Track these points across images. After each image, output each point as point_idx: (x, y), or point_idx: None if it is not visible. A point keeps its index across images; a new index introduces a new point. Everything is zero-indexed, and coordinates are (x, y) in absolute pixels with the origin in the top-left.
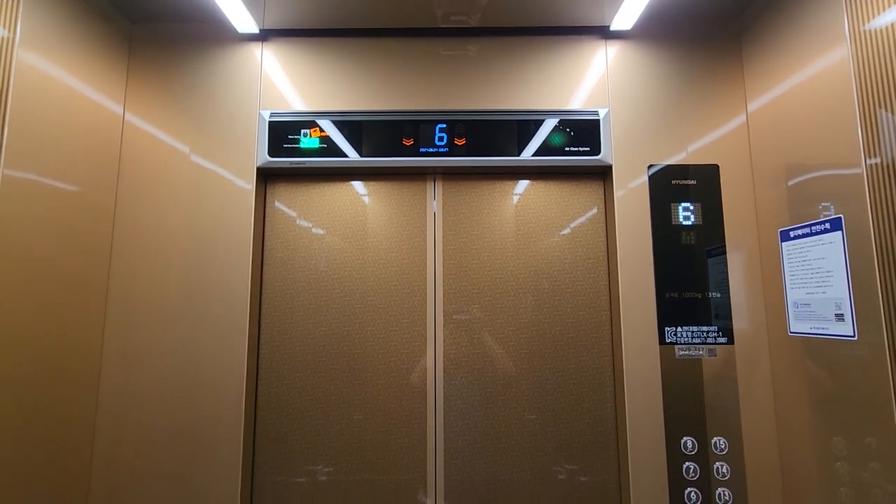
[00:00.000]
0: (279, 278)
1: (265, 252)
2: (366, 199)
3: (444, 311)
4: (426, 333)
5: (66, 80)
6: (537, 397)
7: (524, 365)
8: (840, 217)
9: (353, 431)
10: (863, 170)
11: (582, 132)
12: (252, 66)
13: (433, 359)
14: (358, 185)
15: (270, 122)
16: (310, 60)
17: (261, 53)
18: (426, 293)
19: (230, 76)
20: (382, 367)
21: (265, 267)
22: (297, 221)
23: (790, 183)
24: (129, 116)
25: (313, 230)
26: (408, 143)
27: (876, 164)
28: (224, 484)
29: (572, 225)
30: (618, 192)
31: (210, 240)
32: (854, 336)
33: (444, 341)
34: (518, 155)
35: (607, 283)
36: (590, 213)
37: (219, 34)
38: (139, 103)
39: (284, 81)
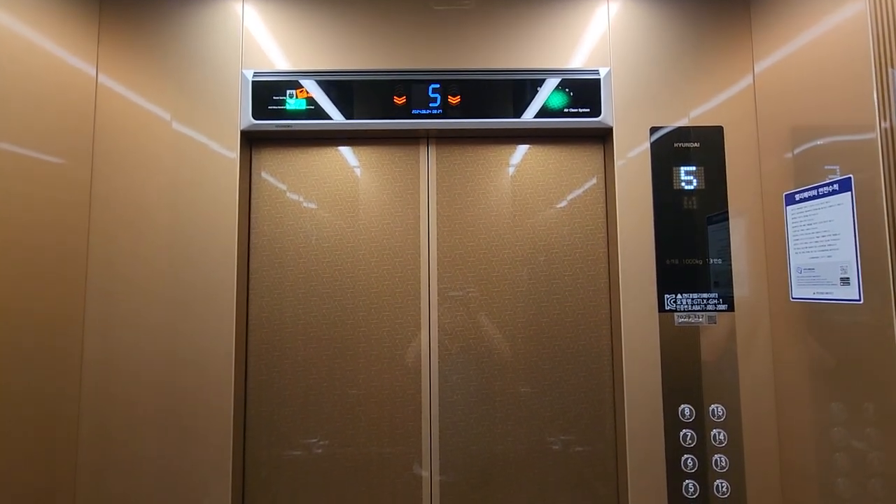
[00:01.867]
0: (267, 248)
1: (252, 221)
2: (356, 164)
3: (438, 282)
4: (420, 305)
5: (32, 38)
6: (534, 367)
7: (520, 334)
8: (849, 178)
9: (348, 405)
10: (877, 131)
11: (582, 92)
12: (233, 22)
13: (428, 331)
14: (348, 151)
15: (254, 83)
16: (295, 16)
17: (242, 8)
18: (420, 263)
19: (209, 33)
20: (376, 338)
21: (252, 236)
22: (285, 190)
23: (797, 145)
24: (102, 78)
25: (302, 198)
26: (399, 103)
27: (889, 126)
28: (214, 455)
29: (571, 190)
30: (618, 156)
31: (193, 211)
32: (860, 300)
33: (439, 313)
34: (515, 116)
35: (606, 249)
36: (589, 177)
37: None
38: (113, 64)
39: (268, 39)
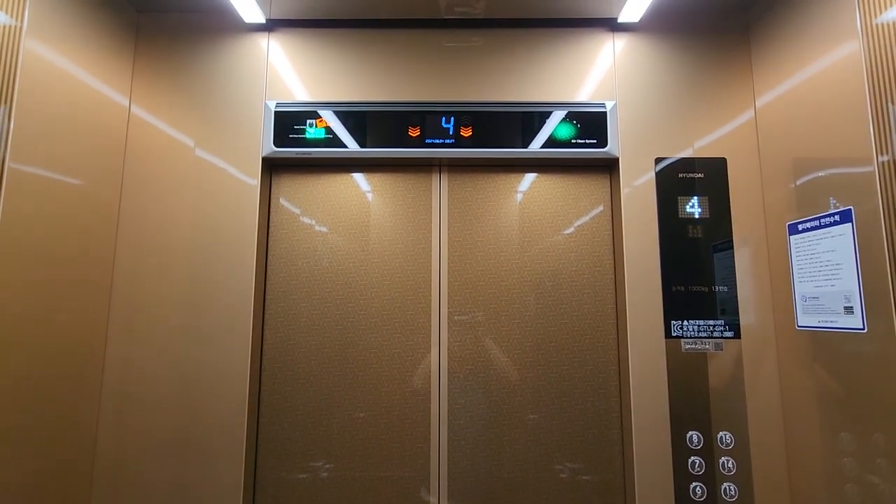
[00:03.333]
0: (283, 272)
1: (269, 245)
2: (371, 191)
3: (448, 307)
4: (430, 330)
5: (73, 71)
6: (542, 392)
7: (528, 358)
8: (850, 209)
9: (356, 428)
10: (874, 165)
11: (589, 124)
12: (258, 57)
13: (437, 355)
14: (363, 178)
15: (276, 113)
16: (316, 51)
17: (267, 44)
18: (431, 289)
19: (237, 66)
20: (386, 363)
21: (269, 261)
22: (303, 215)
23: (798, 177)
24: (134, 108)
25: (318, 224)
26: (414, 134)
27: (888, 159)
28: (227, 476)
29: (578, 217)
30: (624, 186)
31: (215, 232)
32: (863, 329)
33: (449, 338)
34: (524, 147)
35: (613, 276)
36: (596, 206)
37: (225, 24)
38: (145, 95)
39: (290, 72)
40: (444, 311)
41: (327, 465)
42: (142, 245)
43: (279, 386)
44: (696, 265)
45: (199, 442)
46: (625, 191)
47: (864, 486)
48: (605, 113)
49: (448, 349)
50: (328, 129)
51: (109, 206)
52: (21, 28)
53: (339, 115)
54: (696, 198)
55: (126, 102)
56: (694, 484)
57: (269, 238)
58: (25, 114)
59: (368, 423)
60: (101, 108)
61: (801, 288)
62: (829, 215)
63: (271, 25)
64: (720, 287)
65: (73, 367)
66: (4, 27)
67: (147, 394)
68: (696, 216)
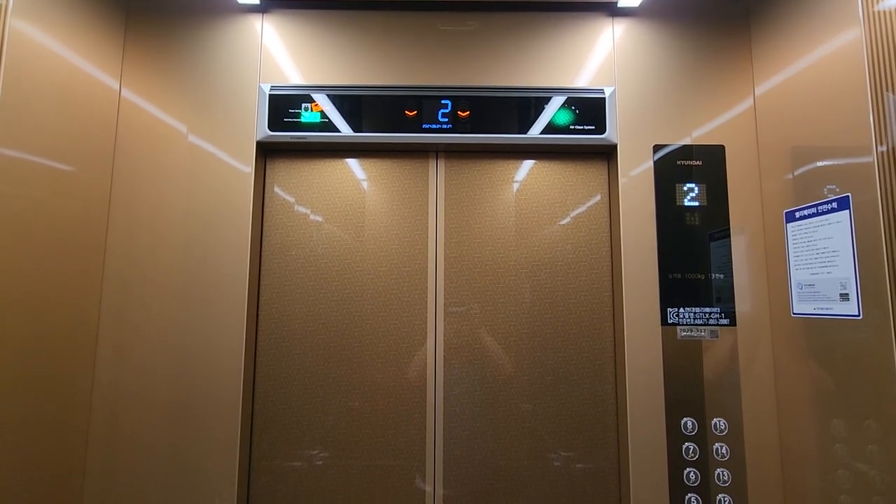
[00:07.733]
0: (278, 258)
1: (264, 232)
2: (367, 178)
3: (445, 295)
4: (426, 318)
5: (61, 52)
6: (538, 380)
7: (525, 346)
8: (847, 196)
9: (351, 416)
10: (873, 155)
11: (587, 110)
12: (252, 39)
13: (433, 344)
14: (358, 164)
15: (271, 96)
16: (311, 33)
17: (261, 25)
18: (427, 276)
19: (230, 48)
20: (382, 352)
21: (264, 248)
22: (297, 201)
23: (797, 165)
24: (125, 92)
25: (313, 210)
26: (411, 118)
27: (886, 149)
28: (221, 463)
29: (576, 205)
30: (622, 172)
31: (209, 217)
32: (859, 315)
33: (445, 326)
34: (522, 132)
35: (610, 263)
36: (594, 193)
37: (218, 5)
38: (136, 77)
39: (285, 54)
40: (440, 299)
41: (322, 454)
42: (134, 233)
43: (274, 375)
44: (693, 253)
45: (195, 433)
46: (622, 178)
47: (856, 472)
48: (603, 99)
49: (444, 337)
50: (323, 114)
51: (100, 192)
52: (6, 6)
53: (333, 98)
54: (694, 185)
55: (116, 85)
56: (688, 469)
57: (264, 226)
58: (11, 96)
59: (363, 412)
60: (91, 91)
61: (797, 275)
62: (827, 202)
63: (265, 6)
64: (716, 275)
65: (61, 362)
66: None
67: (140, 391)
68: (694, 204)
